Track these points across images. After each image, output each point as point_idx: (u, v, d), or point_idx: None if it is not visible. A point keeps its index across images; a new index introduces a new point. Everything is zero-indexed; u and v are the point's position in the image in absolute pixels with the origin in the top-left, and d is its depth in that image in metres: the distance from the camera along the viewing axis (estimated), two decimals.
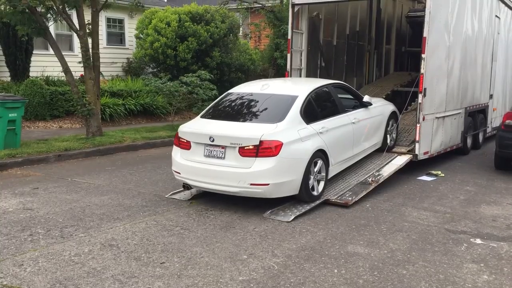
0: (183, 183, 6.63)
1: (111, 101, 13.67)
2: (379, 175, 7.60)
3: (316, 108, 6.85)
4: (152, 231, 5.48)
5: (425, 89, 8.19)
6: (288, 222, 5.89)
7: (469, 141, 10.86)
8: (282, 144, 5.88)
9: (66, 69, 10.47)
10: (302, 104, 6.50)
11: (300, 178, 6.13)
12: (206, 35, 16.11)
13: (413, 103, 10.09)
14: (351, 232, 5.61)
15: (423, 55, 8.09)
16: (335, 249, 5.06)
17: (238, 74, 17.35)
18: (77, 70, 12.72)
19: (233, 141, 5.99)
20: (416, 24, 12.13)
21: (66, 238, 5.23)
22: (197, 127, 6.55)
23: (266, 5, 17.10)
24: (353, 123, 7.32)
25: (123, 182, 7.76)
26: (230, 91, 7.37)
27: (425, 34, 8.05)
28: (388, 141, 8.55)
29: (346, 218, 6.12)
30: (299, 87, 7.13)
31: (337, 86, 7.83)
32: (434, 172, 8.75)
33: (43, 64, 14.53)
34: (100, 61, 11.22)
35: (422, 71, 8.12)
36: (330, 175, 6.89)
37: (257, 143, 5.85)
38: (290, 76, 9.68)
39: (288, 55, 9.69)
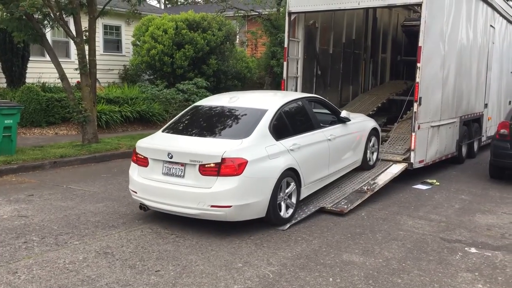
0: (140, 203, 6.04)
1: (108, 108, 13.67)
2: (374, 183, 7.62)
3: (288, 123, 6.36)
4: (147, 238, 5.47)
5: (420, 98, 8.23)
6: (283, 230, 5.89)
7: (464, 150, 10.91)
8: (246, 162, 5.42)
9: (63, 76, 10.47)
10: (272, 119, 6.06)
11: (268, 200, 5.65)
12: (203, 43, 16.16)
13: (408, 111, 10.15)
14: (347, 241, 5.61)
15: (418, 64, 8.14)
16: (330, 258, 5.06)
17: (235, 81, 17.40)
18: (74, 76, 12.72)
19: (193, 158, 5.51)
20: (412, 33, 12.22)
21: (60, 246, 5.21)
22: (155, 142, 6.09)
23: (263, 13, 17.19)
24: (329, 139, 6.85)
25: (119, 189, 7.74)
26: (197, 103, 6.95)
27: (420, 43, 8.11)
28: (369, 159, 8.15)
29: (341, 227, 6.13)
30: (270, 101, 6.67)
31: (312, 100, 7.48)
32: (429, 181, 8.77)
33: (40, 71, 14.53)
34: (97, 68, 11.24)
35: (417, 80, 8.17)
36: (303, 195, 6.40)
37: (219, 160, 5.38)
38: (287, 84, 9.72)
39: (285, 63, 9.73)
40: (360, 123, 7.99)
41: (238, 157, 5.42)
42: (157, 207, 5.82)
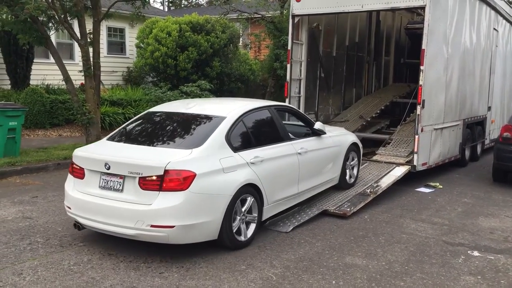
0: (75, 221, 5.26)
1: (111, 110, 13.72)
2: (377, 186, 7.63)
3: (250, 134, 5.72)
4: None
5: (423, 100, 8.24)
6: (286, 232, 5.91)
7: (467, 152, 10.90)
8: (194, 175, 4.71)
9: (67, 78, 10.52)
10: (231, 128, 5.41)
11: (220, 220, 4.95)
12: (207, 45, 16.20)
13: (411, 114, 10.15)
14: (350, 244, 5.62)
15: (421, 67, 8.15)
16: (333, 260, 5.08)
17: (238, 84, 17.43)
18: (78, 78, 12.77)
19: (132, 169, 4.80)
20: (415, 36, 12.24)
21: (65, 247, 5.24)
22: (94, 150, 5.41)
23: (266, 15, 17.22)
24: (299, 153, 6.19)
25: None
26: (151, 109, 6.28)
27: (423, 46, 8.12)
28: (348, 177, 7.49)
29: (344, 229, 6.14)
30: (231, 108, 5.91)
31: (281, 109, 6.83)
32: (432, 184, 8.78)
33: (44, 73, 14.59)
34: (101, 70, 11.28)
35: (420, 82, 8.18)
36: (266, 215, 5.72)
37: (161, 172, 4.65)
38: (290, 87, 9.74)
39: (288, 66, 9.75)
40: (337, 137, 7.26)
41: (184, 169, 4.72)
42: (91, 225, 5.08)
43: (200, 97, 13.20)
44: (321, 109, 11.11)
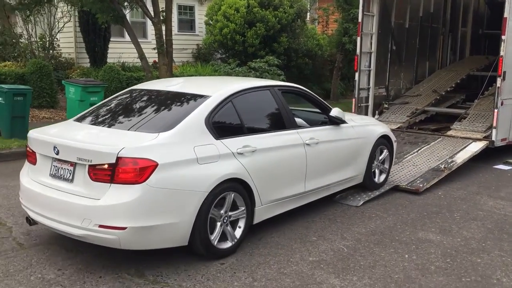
0: (27, 215, 4.48)
1: None
2: (452, 162, 7.37)
3: (240, 118, 4.72)
4: None
5: (504, 72, 7.79)
6: (357, 206, 5.90)
7: None
8: (155, 165, 3.85)
9: (142, 55, 10.96)
10: (214, 110, 4.49)
11: (190, 222, 4.05)
12: (274, 21, 16.14)
13: (490, 88, 9.64)
14: (422, 219, 5.52)
15: (503, 37, 7.69)
16: (406, 235, 5.02)
17: (305, 59, 17.27)
18: (151, 56, 13.24)
19: (81, 155, 3.98)
20: (495, 5, 11.50)
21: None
22: (47, 131, 4.55)
23: None
24: (308, 144, 5.17)
25: None
26: (134, 87, 5.49)
27: (505, 14, 7.64)
28: (375, 175, 6.39)
29: (417, 205, 6.03)
30: (220, 86, 5.12)
31: (288, 90, 5.61)
32: None
33: (119, 51, 15.24)
34: (172, 47, 11.62)
35: (501, 53, 7.73)
36: (259, 219, 4.74)
37: (113, 160, 3.82)
38: (360, 60, 9.53)
39: (358, 39, 9.54)
40: (362, 128, 6.12)
41: (142, 157, 3.85)
42: (40, 221, 4.27)
43: (268, 73, 13.25)
44: (392, 83, 10.81)
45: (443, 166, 7.19)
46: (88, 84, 9.78)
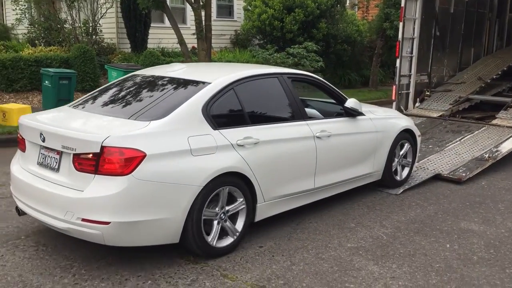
0: (16, 205, 4.28)
1: None
2: (497, 151, 7.14)
3: (243, 107, 4.41)
4: None
5: None
6: (396, 194, 5.82)
7: None
8: (143, 156, 3.60)
9: (181, 41, 11.06)
10: (213, 97, 4.19)
11: (182, 218, 3.79)
12: (313, 6, 15.93)
13: None
14: (465, 209, 5.40)
15: None
16: (447, 225, 4.93)
17: (344, 46, 17.00)
18: (189, 42, 13.33)
19: (66, 143, 3.77)
20: None
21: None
22: (36, 117, 4.30)
23: None
24: (318, 137, 4.82)
25: None
26: (136, 72, 5.20)
27: None
28: (396, 172, 5.96)
29: (459, 195, 5.89)
30: (223, 72, 4.75)
31: (299, 79, 5.22)
32: None
33: (159, 36, 15.43)
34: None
35: None
36: (262, 215, 4.44)
37: (98, 149, 3.58)
38: (402, 46, 9.30)
39: (400, 24, 9.29)
40: (381, 121, 5.71)
41: (129, 146, 3.59)
42: (27, 212, 4.09)
43: (306, 59, 13.13)
44: (434, 70, 10.52)
45: (487, 155, 6.98)
46: (129, 69, 9.96)
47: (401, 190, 5.90)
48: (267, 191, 4.38)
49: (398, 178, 6.01)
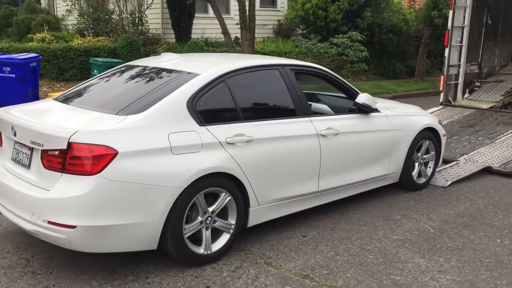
0: None
1: None
2: None
3: (236, 101, 4.00)
4: None
5: None
6: (443, 187, 5.68)
7: None
8: (114, 153, 3.26)
9: (225, 31, 11.11)
10: (201, 90, 3.80)
11: (160, 223, 3.43)
12: None
13: None
14: None
15: None
16: (498, 219, 4.77)
17: (389, 35, 16.62)
18: (232, 32, 13.37)
19: (34, 138, 3.48)
20: None
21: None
22: (10, 110, 3.98)
23: None
24: (323, 135, 4.39)
25: None
26: (129, 62, 4.86)
27: None
28: (415, 174, 5.46)
29: (510, 189, 5.69)
30: (215, 63, 4.36)
31: (303, 71, 4.74)
32: None
33: (203, 27, 15.56)
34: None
35: None
36: (256, 221, 4.05)
37: (65, 146, 3.26)
38: (451, 35, 9.01)
39: (450, 12, 9.01)
40: (399, 118, 5.22)
41: (98, 143, 3.26)
42: (2, 212, 3.76)
43: (350, 49, 12.92)
44: (485, 60, 10.15)
45: None
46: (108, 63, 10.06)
47: (449, 183, 5.74)
48: (262, 194, 3.99)
49: (418, 181, 5.52)
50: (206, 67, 4.08)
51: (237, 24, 11.26)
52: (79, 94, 4.29)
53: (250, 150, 3.88)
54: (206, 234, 3.71)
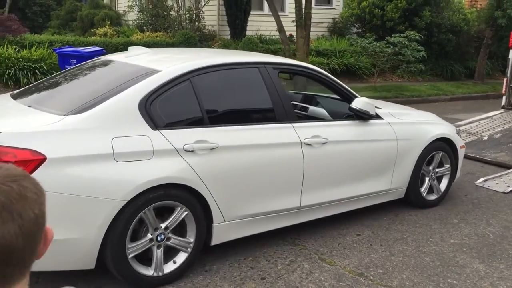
0: None
1: (317, 60, 14.10)
2: None
3: (200, 103, 3.52)
4: None
5: None
6: (504, 193, 5.50)
7: None
8: (42, 159, 2.84)
9: (281, 28, 11.17)
10: (157, 90, 3.35)
11: (98, 239, 3.01)
12: None
13: None
14: None
15: None
16: None
17: (448, 35, 16.12)
18: (287, 29, 13.40)
19: None
20: None
21: None
22: None
23: None
24: (307, 144, 3.87)
25: None
26: (101, 57, 4.43)
27: None
28: (424, 189, 4.87)
29: None
30: (182, 59, 3.93)
31: (289, 70, 4.41)
32: None
33: (257, 24, 15.68)
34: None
35: None
36: (221, 239, 3.59)
37: None
38: None
39: None
40: (406, 126, 4.66)
41: (23, 147, 2.84)
42: None
43: (407, 48, 12.66)
44: None
45: None
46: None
47: (510, 189, 5.55)
48: (228, 209, 3.51)
49: (429, 197, 4.93)
50: (169, 64, 3.66)
51: (293, 21, 11.29)
52: (36, 90, 3.94)
53: (214, 159, 3.40)
54: (158, 253, 3.26)
